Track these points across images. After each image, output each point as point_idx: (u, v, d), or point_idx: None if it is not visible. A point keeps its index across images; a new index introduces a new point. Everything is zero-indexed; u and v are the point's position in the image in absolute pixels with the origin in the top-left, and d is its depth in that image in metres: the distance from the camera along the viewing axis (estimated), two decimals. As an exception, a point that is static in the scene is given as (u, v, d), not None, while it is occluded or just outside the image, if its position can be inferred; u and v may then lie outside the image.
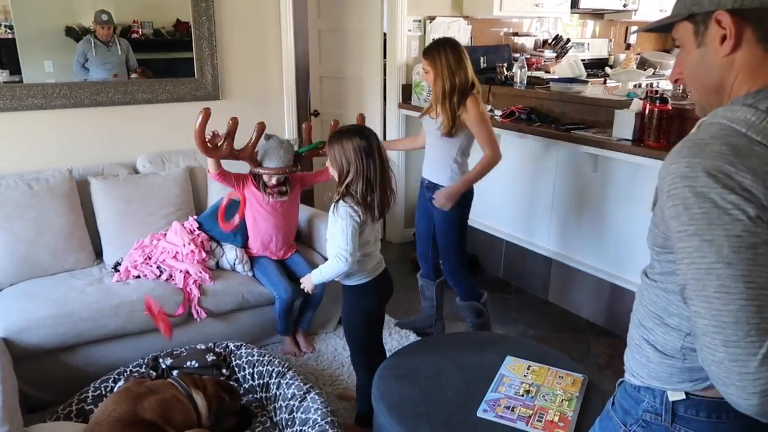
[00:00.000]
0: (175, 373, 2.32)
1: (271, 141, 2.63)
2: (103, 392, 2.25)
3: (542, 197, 3.46)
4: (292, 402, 2.17)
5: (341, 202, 2.00)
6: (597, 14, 5.20)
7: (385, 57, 4.09)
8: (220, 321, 2.68)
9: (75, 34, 3.04)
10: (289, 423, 2.14)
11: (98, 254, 2.91)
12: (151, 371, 2.36)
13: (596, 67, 4.80)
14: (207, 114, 2.39)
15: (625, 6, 4.92)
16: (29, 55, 2.94)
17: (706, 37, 0.91)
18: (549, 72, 4.27)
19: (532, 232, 3.56)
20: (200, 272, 2.67)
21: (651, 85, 3.91)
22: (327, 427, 1.99)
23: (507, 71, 3.77)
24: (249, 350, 2.43)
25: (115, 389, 2.19)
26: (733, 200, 0.78)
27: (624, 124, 2.76)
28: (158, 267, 2.70)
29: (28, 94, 2.93)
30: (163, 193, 3.00)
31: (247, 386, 2.37)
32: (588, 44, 5.08)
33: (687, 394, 0.96)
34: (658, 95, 2.66)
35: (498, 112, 3.48)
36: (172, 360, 2.40)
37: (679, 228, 0.82)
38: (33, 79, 2.95)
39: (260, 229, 2.78)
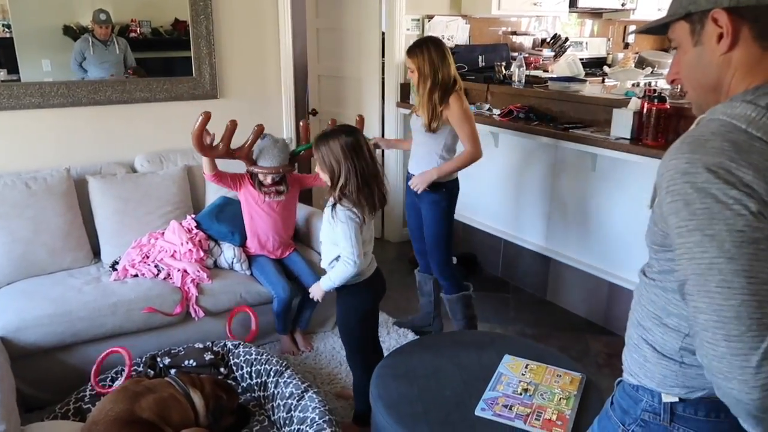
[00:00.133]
0: (172, 371, 2.32)
1: (265, 140, 2.63)
2: (101, 391, 2.24)
3: (541, 196, 3.46)
4: (290, 401, 2.17)
5: (339, 206, 1.99)
6: (595, 13, 5.20)
7: (383, 56, 4.09)
8: (217, 320, 2.68)
9: (73, 33, 3.03)
10: (287, 422, 2.14)
11: (96, 253, 2.90)
12: (149, 370, 2.36)
13: (594, 66, 4.80)
14: (207, 117, 2.42)
15: (623, 5, 4.93)
16: (27, 54, 2.94)
17: (703, 35, 0.91)
18: (547, 71, 4.27)
19: (531, 231, 3.56)
20: (198, 271, 2.67)
21: (649, 84, 3.91)
22: (325, 425, 1.99)
23: (505, 70, 3.77)
24: (247, 349, 2.43)
25: (113, 388, 2.18)
26: (734, 195, 0.78)
27: (622, 123, 2.76)
28: (156, 266, 2.70)
29: (25, 93, 2.93)
30: (161, 192, 2.99)
31: (244, 385, 2.37)
32: (586, 43, 5.08)
33: (680, 398, 0.97)
34: (656, 94, 2.66)
35: (496, 111, 3.48)
36: (169, 359, 2.39)
37: (679, 223, 0.82)
38: (31, 78, 2.94)
39: (257, 228, 2.78)
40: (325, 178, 2.02)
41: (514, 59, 3.85)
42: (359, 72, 4.23)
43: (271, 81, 3.62)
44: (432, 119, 2.58)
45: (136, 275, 2.66)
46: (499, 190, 3.72)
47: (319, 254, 2.91)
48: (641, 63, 4.79)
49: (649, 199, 0.97)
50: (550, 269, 3.49)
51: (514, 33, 4.68)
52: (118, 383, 2.23)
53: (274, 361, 2.34)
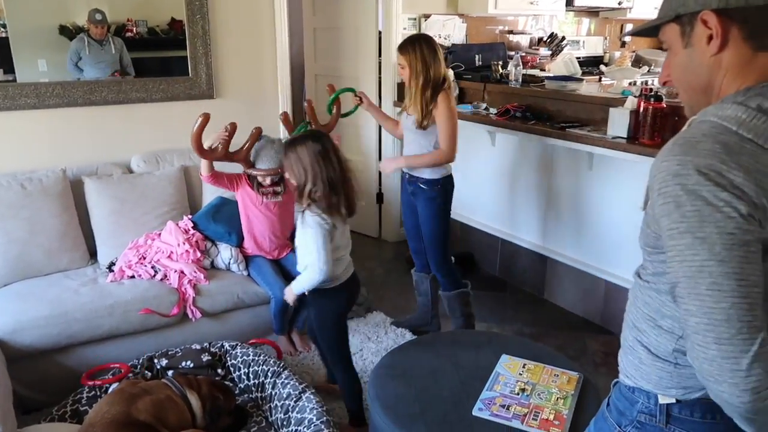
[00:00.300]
0: (170, 373, 2.32)
1: (261, 141, 2.62)
2: (98, 393, 2.23)
3: (538, 195, 3.46)
4: (287, 402, 2.17)
5: (308, 212, 2.00)
6: (592, 12, 5.20)
7: (380, 55, 4.08)
8: (215, 321, 2.67)
9: (69, 32, 3.02)
10: (285, 423, 2.13)
11: (92, 254, 2.89)
12: (146, 372, 2.35)
13: (591, 64, 4.80)
14: (206, 119, 2.42)
15: (620, 4, 4.93)
16: (23, 54, 2.92)
17: (693, 37, 0.91)
18: (544, 70, 4.27)
19: (528, 230, 3.56)
20: (195, 272, 2.67)
21: (646, 82, 3.91)
22: (322, 426, 1.98)
23: (502, 69, 3.76)
24: (244, 350, 2.42)
25: (110, 390, 2.18)
26: (724, 198, 0.78)
27: (619, 122, 2.76)
28: (153, 267, 2.69)
29: (20, 94, 2.91)
30: (157, 192, 2.99)
31: (242, 386, 2.37)
32: (583, 42, 5.08)
33: (677, 399, 0.97)
34: (652, 93, 2.66)
35: (493, 110, 3.48)
36: (167, 360, 2.39)
37: (670, 226, 0.83)
38: (26, 78, 2.93)
39: (254, 228, 2.77)
40: (293, 183, 2.03)
41: (511, 58, 3.84)
42: (356, 71, 4.23)
43: (268, 81, 3.61)
44: (424, 117, 2.60)
45: (133, 276, 2.65)
46: (496, 189, 3.72)
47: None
48: (638, 62, 4.79)
49: (642, 200, 0.97)
50: (547, 268, 3.49)
51: (511, 32, 4.68)
52: (113, 388, 2.22)
53: (271, 362, 2.34)
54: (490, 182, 3.74)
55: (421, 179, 2.72)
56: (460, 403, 1.85)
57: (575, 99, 3.17)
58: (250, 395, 2.34)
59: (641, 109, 2.67)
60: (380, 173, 4.34)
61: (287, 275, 2.79)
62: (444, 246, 2.79)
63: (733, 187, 0.78)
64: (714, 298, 0.78)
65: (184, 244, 2.74)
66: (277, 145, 2.62)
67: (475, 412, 1.80)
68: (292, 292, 2.18)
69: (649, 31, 1.00)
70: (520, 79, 3.57)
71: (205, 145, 2.53)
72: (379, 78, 4.13)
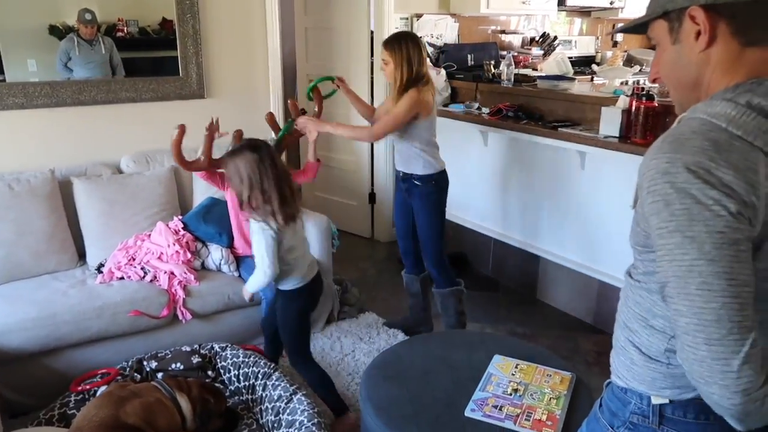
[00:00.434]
0: (159, 375, 2.29)
1: None
2: (86, 396, 2.21)
3: (530, 195, 3.46)
4: (278, 403, 2.15)
5: (252, 220, 2.07)
6: (584, 12, 5.21)
7: (372, 55, 4.07)
8: (205, 322, 2.65)
9: (59, 32, 2.99)
10: (276, 425, 2.11)
11: (81, 256, 2.86)
12: (135, 374, 2.33)
13: (583, 64, 4.80)
14: (182, 130, 2.39)
15: (611, 3, 4.93)
16: (12, 54, 2.89)
17: (681, 33, 0.90)
18: (536, 69, 4.26)
19: (520, 230, 3.56)
20: (185, 273, 2.64)
21: (637, 82, 3.91)
22: (314, 428, 1.97)
23: (494, 69, 3.76)
24: (234, 352, 2.40)
25: (98, 393, 2.15)
26: (713, 196, 0.77)
27: (610, 121, 2.76)
28: (142, 268, 2.66)
29: (8, 93, 2.88)
30: (147, 193, 2.96)
31: (232, 388, 2.35)
32: (575, 42, 5.08)
33: (670, 400, 0.96)
34: (644, 92, 2.66)
35: (485, 110, 3.47)
36: (156, 362, 2.36)
37: (659, 224, 0.82)
38: (16, 79, 2.90)
39: (245, 228, 2.74)
40: (234, 192, 2.09)
41: (503, 58, 3.84)
42: (348, 71, 4.20)
43: (260, 80, 3.59)
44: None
45: (122, 278, 2.63)
46: (488, 189, 3.71)
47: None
48: (629, 61, 4.80)
49: (632, 199, 0.96)
50: (539, 268, 3.48)
51: (503, 32, 4.68)
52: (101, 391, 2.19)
53: (262, 364, 2.32)
54: (482, 182, 3.73)
55: (414, 176, 2.71)
56: (453, 404, 1.84)
57: (567, 98, 3.17)
58: (241, 397, 2.32)
59: (633, 108, 2.67)
60: (373, 173, 4.33)
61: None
62: (439, 242, 2.79)
63: (722, 185, 0.77)
64: (704, 298, 0.77)
65: (174, 244, 2.72)
66: None
67: (468, 413, 1.79)
68: (247, 290, 2.23)
69: (638, 28, 0.99)
70: (513, 79, 3.56)
71: (198, 152, 2.50)
72: (372, 78, 4.12)
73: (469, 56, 4.11)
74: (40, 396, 2.30)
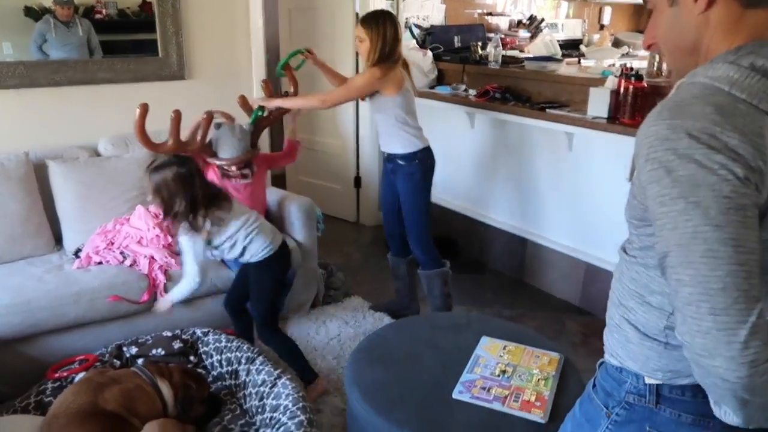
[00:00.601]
0: (140, 361, 2.24)
1: (222, 130, 2.52)
2: (63, 383, 2.15)
3: (517, 177, 3.42)
4: (262, 388, 2.10)
5: (179, 231, 2.10)
6: (571, -6, 5.17)
7: (357, 36, 3.99)
8: (186, 307, 2.58)
9: (35, 14, 2.88)
10: (260, 410, 2.07)
11: (58, 240, 2.78)
12: (115, 360, 2.27)
13: (570, 47, 4.76)
14: (145, 109, 2.30)
15: (598, -14, 4.90)
16: (-14, 36, 2.79)
17: None
18: (523, 52, 4.22)
19: (507, 213, 3.53)
20: (166, 257, 2.58)
21: (624, 64, 3.88)
22: (298, 412, 1.92)
23: (481, 50, 3.71)
24: (217, 336, 2.35)
25: (76, 380, 2.09)
26: (719, 160, 0.73)
27: (599, 102, 2.73)
28: (122, 252, 2.59)
29: (-21, 74, 2.78)
30: (126, 176, 2.88)
31: (215, 373, 2.30)
32: (562, 25, 5.04)
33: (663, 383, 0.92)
34: (633, 72, 2.63)
35: (472, 92, 3.43)
36: (136, 348, 2.31)
37: (661, 192, 0.77)
38: (-9, 61, 2.80)
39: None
40: (159, 207, 2.11)
41: (490, 40, 3.78)
42: (332, 53, 4.12)
43: (242, 62, 3.50)
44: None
45: (101, 262, 2.56)
46: (475, 172, 3.67)
47: (293, 238, 2.85)
48: (617, 44, 4.78)
49: (627, 172, 0.91)
50: (527, 250, 3.46)
51: (490, 14, 4.62)
52: (80, 375, 2.13)
53: (245, 348, 2.27)
54: (469, 164, 3.69)
55: (397, 155, 2.68)
56: (440, 387, 1.81)
57: (555, 80, 3.13)
58: (224, 383, 2.27)
59: (621, 88, 2.63)
60: (358, 157, 4.27)
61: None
62: (424, 222, 2.76)
63: (728, 150, 0.73)
64: (709, 266, 0.73)
65: (154, 228, 2.65)
66: (239, 131, 2.52)
67: (456, 395, 1.76)
68: (167, 300, 2.24)
69: None
70: (500, 60, 3.51)
71: (183, 137, 2.42)
72: (357, 59, 4.05)
73: (455, 38, 4.05)
74: (16, 384, 2.22)
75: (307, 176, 4.58)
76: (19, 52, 2.88)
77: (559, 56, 3.86)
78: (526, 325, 2.89)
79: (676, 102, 0.79)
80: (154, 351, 2.28)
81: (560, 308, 3.22)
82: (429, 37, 3.97)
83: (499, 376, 1.83)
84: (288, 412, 1.93)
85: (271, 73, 3.72)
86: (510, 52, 3.98)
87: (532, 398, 1.73)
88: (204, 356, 2.33)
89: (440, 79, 3.79)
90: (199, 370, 2.26)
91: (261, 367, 2.16)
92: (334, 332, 2.83)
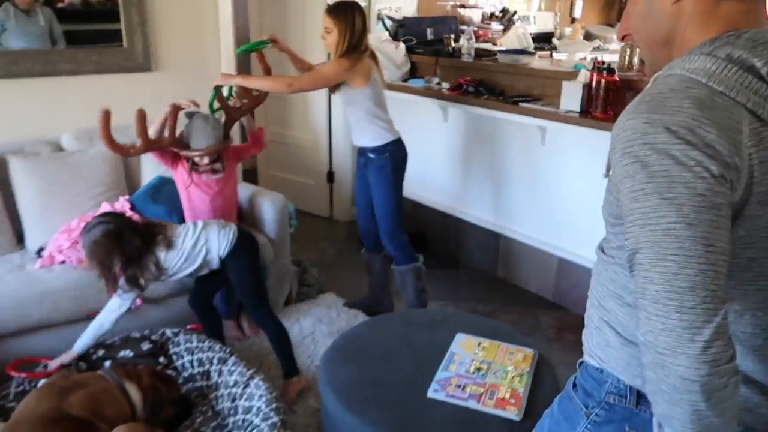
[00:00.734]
0: (107, 364, 2.17)
1: (194, 119, 2.45)
2: (27, 388, 2.07)
3: (490, 171, 3.42)
4: (234, 389, 2.06)
5: (118, 290, 2.10)
6: (543, -13, 5.17)
7: (329, 29, 3.93)
8: (156, 307, 2.52)
9: (-7, 2, 2.77)
10: (232, 411, 2.03)
11: (20, 239, 2.68)
12: (81, 363, 2.20)
13: (542, 40, 4.75)
14: (107, 115, 2.20)
15: (570, -21, 4.91)
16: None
17: None
18: (496, 44, 4.21)
19: (480, 207, 3.53)
20: (133, 255, 2.50)
21: (595, 58, 3.90)
22: (272, 414, 1.89)
23: (454, 43, 3.69)
24: (188, 337, 2.30)
25: (39, 384, 2.02)
26: (695, 157, 0.72)
27: (571, 96, 2.73)
28: (87, 251, 2.51)
29: (-69, 64, 2.65)
30: (91, 172, 2.79)
31: (186, 375, 2.24)
32: (534, 18, 5.05)
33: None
34: (605, 66, 2.64)
35: (445, 85, 3.41)
36: (104, 350, 2.24)
37: (634, 187, 0.75)
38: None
39: (196, 208, 2.61)
40: (95, 270, 2.09)
41: (463, 32, 3.76)
42: (303, 44, 4.05)
43: (211, 54, 3.42)
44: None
45: (64, 262, 2.47)
46: (448, 166, 3.66)
47: (266, 235, 2.80)
48: (588, 38, 4.80)
49: (599, 173, 0.90)
50: (500, 245, 3.47)
51: (463, 6, 4.60)
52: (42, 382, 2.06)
53: (217, 348, 2.22)
54: (442, 159, 3.68)
55: (368, 149, 2.67)
56: (415, 385, 1.79)
57: (528, 73, 3.12)
58: (195, 384, 2.22)
59: (594, 82, 2.64)
60: (331, 151, 4.22)
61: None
62: (396, 217, 2.74)
63: (705, 146, 0.72)
64: (679, 264, 0.72)
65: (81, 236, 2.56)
66: (212, 121, 2.46)
67: (431, 394, 1.75)
68: (71, 354, 2.16)
69: None
70: (473, 53, 3.49)
71: (150, 133, 2.34)
72: (329, 53, 3.98)
73: (428, 30, 4.02)
74: (-24, 389, 2.15)
75: (279, 171, 4.51)
76: (-21, 42, 2.77)
77: (531, 49, 3.87)
78: (501, 321, 2.89)
79: (654, 95, 0.78)
80: (122, 353, 2.22)
81: (534, 303, 3.24)
82: (401, 29, 3.93)
83: (474, 373, 1.83)
84: (261, 413, 1.90)
85: (242, 66, 3.64)
86: (483, 45, 3.97)
87: (507, 395, 1.73)
88: (174, 357, 2.28)
89: (413, 72, 3.76)
90: (169, 372, 2.20)
91: (233, 368, 2.12)
92: (308, 330, 2.79)
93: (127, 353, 2.22)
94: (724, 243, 0.73)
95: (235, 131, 3.16)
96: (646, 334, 0.76)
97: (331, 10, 2.55)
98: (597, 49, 4.29)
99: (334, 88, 2.69)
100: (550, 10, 5.30)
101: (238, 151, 2.68)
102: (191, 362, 2.23)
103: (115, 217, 2.15)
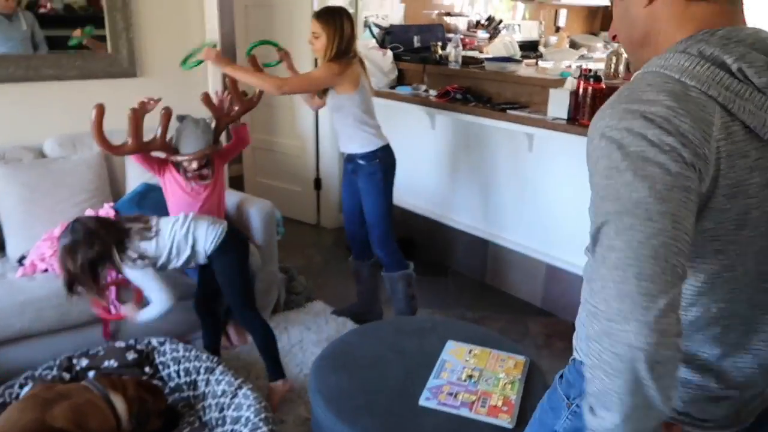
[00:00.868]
0: (91, 374, 2.13)
1: (185, 123, 2.43)
2: (8, 399, 2.02)
3: (478, 178, 3.43)
4: (222, 399, 2.03)
5: (124, 270, 2.10)
6: (527, -4, 5.22)
7: (315, 35, 3.92)
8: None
9: (-27, 7, 2.72)
10: (220, 422, 2.00)
11: (0, 247, 2.63)
12: (65, 373, 2.15)
13: (527, 49, 4.80)
14: (100, 110, 2.19)
15: (554, -12, 4.96)
16: None
17: None
18: (482, 52, 4.24)
19: (468, 214, 3.53)
20: (118, 264, 2.46)
21: (580, 66, 3.94)
22: (261, 424, 1.86)
23: (442, 50, 3.70)
24: (174, 346, 2.26)
25: (21, 395, 1.97)
26: (670, 142, 0.75)
27: (558, 103, 2.75)
28: (70, 259, 2.46)
29: None
30: (74, 178, 2.74)
31: (172, 385, 2.20)
32: (519, 26, 5.09)
33: None
34: (592, 73, 2.66)
35: (433, 92, 3.41)
36: (88, 360, 2.20)
37: (609, 165, 0.78)
38: None
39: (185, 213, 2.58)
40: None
41: (450, 40, 3.78)
42: (290, 51, 4.04)
43: (197, 59, 3.39)
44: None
45: (47, 270, 2.42)
46: (435, 173, 3.66)
47: (254, 243, 2.77)
48: (572, 46, 4.85)
49: (586, 180, 0.91)
50: (488, 252, 3.47)
51: (448, 14, 4.63)
52: (26, 390, 2.01)
53: (204, 358, 2.19)
54: (430, 166, 3.68)
55: (357, 155, 2.65)
56: (407, 393, 1.78)
57: (515, 80, 3.14)
58: (182, 394, 2.18)
59: (581, 89, 2.66)
60: (318, 158, 4.21)
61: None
62: (387, 223, 2.73)
63: (679, 134, 0.75)
64: (646, 234, 0.74)
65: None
66: (203, 125, 2.44)
67: (423, 402, 1.73)
68: (139, 316, 2.19)
69: None
70: (460, 61, 3.51)
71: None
72: (316, 60, 3.97)
73: (415, 38, 4.03)
74: (-45, 401, 2.09)
75: (265, 178, 4.48)
76: (-42, 48, 2.71)
77: (518, 57, 3.89)
78: (490, 328, 2.89)
79: (632, 89, 0.82)
80: (106, 363, 2.18)
81: (523, 310, 3.24)
82: (388, 37, 3.94)
83: (465, 381, 1.82)
84: (250, 423, 1.87)
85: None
86: (469, 53, 3.99)
87: (499, 403, 1.72)
88: (160, 367, 2.24)
89: (400, 80, 3.77)
90: (155, 382, 2.17)
91: (221, 378, 2.09)
92: (296, 338, 2.76)
93: (111, 363, 2.18)
94: (689, 225, 0.76)
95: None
96: (599, 303, 0.77)
97: (320, 15, 2.55)
98: (582, 57, 4.34)
99: (322, 93, 2.68)
100: (535, 19, 5.35)
101: (225, 153, 2.65)
102: (177, 372, 2.19)
103: (73, 227, 2.07)
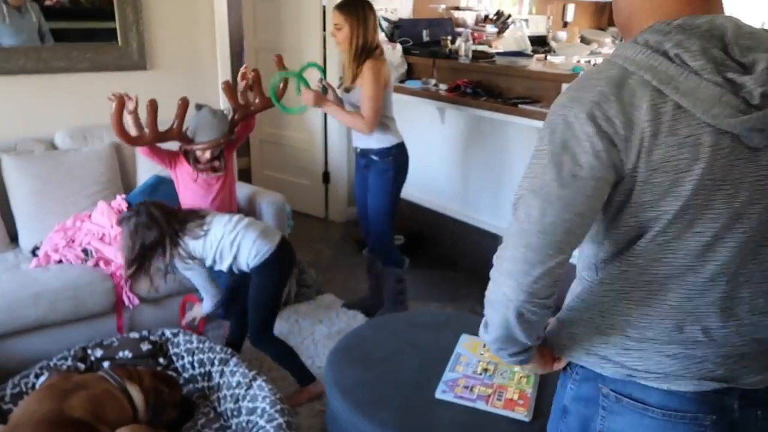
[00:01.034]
0: (106, 364, 2.14)
1: (202, 112, 2.43)
2: (24, 389, 2.03)
3: (488, 173, 3.43)
4: (237, 390, 2.04)
5: (177, 267, 2.13)
6: (535, -10, 5.20)
7: (324, 29, 3.92)
8: (154, 307, 2.49)
9: (-15, 2, 2.72)
10: (235, 413, 2.01)
11: (13, 238, 2.64)
12: (79, 364, 2.16)
13: (536, 43, 4.79)
14: (121, 101, 2.19)
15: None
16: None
17: None
18: (491, 47, 4.23)
19: (479, 209, 3.54)
20: (131, 255, 2.47)
21: (589, 62, 3.93)
22: (276, 415, 1.87)
23: (451, 44, 3.69)
24: (187, 337, 2.26)
25: (37, 386, 1.98)
26: (589, 132, 0.84)
27: (571, 98, 2.74)
28: (84, 250, 2.47)
29: (-77, 60, 2.59)
30: (85, 170, 2.75)
31: (187, 376, 2.21)
32: (527, 21, 5.08)
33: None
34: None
35: (443, 86, 3.41)
36: (102, 351, 2.20)
37: (539, 147, 0.90)
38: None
39: (195, 205, 2.58)
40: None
41: (459, 34, 3.78)
42: (299, 44, 4.05)
43: (206, 52, 3.38)
44: (352, 80, 2.57)
45: (61, 261, 2.43)
46: (446, 167, 3.66)
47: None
48: (584, 41, 4.84)
49: None
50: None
51: (457, 8, 4.61)
52: (42, 380, 2.02)
53: (217, 349, 2.20)
54: (439, 160, 3.68)
55: (371, 151, 2.65)
56: (422, 386, 1.79)
57: (526, 75, 3.14)
58: (196, 385, 2.19)
59: (593, 84, 2.65)
60: (326, 152, 4.21)
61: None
62: (389, 221, 2.74)
63: (604, 119, 0.83)
64: (540, 212, 0.87)
65: (117, 225, 2.53)
66: (220, 115, 2.44)
67: (439, 395, 1.74)
68: (200, 311, 2.33)
69: None
70: (471, 55, 3.50)
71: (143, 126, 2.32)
72: (324, 52, 3.97)
73: (424, 32, 4.03)
74: (-29, 391, 2.10)
75: (273, 171, 4.48)
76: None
77: (529, 52, 3.89)
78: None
79: (582, 76, 0.91)
80: (120, 353, 2.18)
81: (531, 303, 3.24)
82: (397, 31, 3.94)
83: (481, 374, 1.82)
84: (266, 414, 1.88)
85: (235, 65, 3.61)
86: (479, 47, 3.98)
87: (515, 396, 1.73)
88: (174, 358, 2.25)
89: (410, 73, 3.77)
90: (170, 373, 2.17)
91: (235, 369, 2.10)
92: (308, 331, 2.77)
93: (126, 354, 2.19)
94: (586, 210, 0.87)
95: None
96: (499, 255, 0.93)
97: (341, 6, 2.54)
98: (592, 53, 4.34)
99: (349, 88, 2.65)
100: (542, 13, 5.33)
101: (233, 142, 2.65)
102: (192, 363, 2.20)
103: (142, 208, 2.09)
